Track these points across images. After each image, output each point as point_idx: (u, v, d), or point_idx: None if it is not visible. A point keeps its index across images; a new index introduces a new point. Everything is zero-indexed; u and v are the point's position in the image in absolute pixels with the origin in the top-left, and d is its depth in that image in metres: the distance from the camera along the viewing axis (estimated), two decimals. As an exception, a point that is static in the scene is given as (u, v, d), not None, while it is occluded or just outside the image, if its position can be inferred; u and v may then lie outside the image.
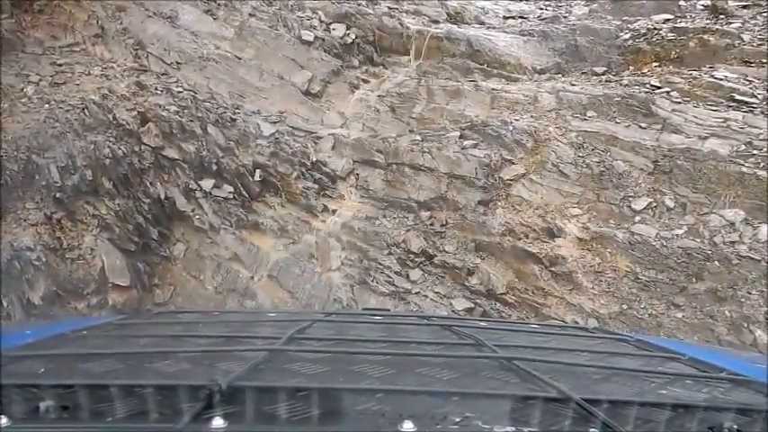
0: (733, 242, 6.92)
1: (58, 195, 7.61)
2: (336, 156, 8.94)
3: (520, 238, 7.70)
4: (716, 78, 8.55)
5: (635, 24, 10.52)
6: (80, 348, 1.36)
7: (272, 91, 9.50)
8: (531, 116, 8.65)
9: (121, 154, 8.13)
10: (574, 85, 9.14)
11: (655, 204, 7.56)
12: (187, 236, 8.44)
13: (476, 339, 1.46)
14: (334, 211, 8.68)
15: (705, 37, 9.49)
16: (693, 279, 6.89)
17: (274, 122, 9.11)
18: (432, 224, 8.26)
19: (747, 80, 8.53)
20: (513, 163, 8.29)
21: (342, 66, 9.96)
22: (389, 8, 11.11)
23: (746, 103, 8.05)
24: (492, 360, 1.30)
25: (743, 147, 7.53)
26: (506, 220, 7.87)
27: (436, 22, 11.14)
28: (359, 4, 10.83)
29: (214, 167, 8.57)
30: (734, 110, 8.00)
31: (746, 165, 7.35)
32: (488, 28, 11.25)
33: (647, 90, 8.57)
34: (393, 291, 7.86)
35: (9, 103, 8.16)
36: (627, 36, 10.25)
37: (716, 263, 6.83)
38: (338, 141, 9.01)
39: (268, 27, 10.00)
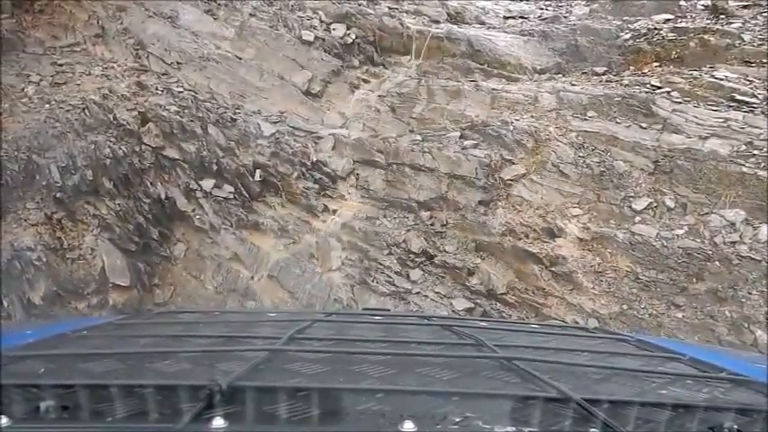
0: (733, 242, 6.92)
1: (58, 195, 7.61)
2: (337, 156, 8.94)
3: (520, 239, 7.70)
4: (716, 78, 8.55)
5: (635, 24, 10.51)
6: (80, 348, 1.36)
7: (272, 91, 9.50)
8: (532, 116, 8.65)
9: (122, 154, 8.13)
10: (574, 85, 9.14)
11: (655, 204, 7.56)
12: (187, 236, 8.44)
13: (476, 339, 1.46)
14: (334, 211, 8.68)
15: (705, 37, 9.49)
16: (694, 279, 6.88)
17: (275, 122, 9.11)
18: (432, 224, 8.26)
19: (748, 80, 8.53)
20: (514, 163, 8.29)
21: (342, 66, 9.96)
22: (390, 8, 11.11)
23: (747, 103, 8.05)
24: (492, 360, 1.30)
25: (743, 147, 7.53)
26: (507, 221, 7.87)
27: (437, 22, 11.14)
28: (359, 4, 10.83)
29: (214, 167, 8.57)
30: (734, 110, 8.00)
31: (747, 165, 7.35)
32: (489, 28, 11.25)
33: (647, 90, 8.57)
34: (393, 291, 7.86)
35: (10, 102, 8.17)
36: (627, 36, 10.25)
37: (716, 263, 6.83)
38: (338, 141, 9.01)
39: (268, 27, 10.00)
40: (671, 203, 7.51)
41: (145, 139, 8.39)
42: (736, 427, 0.95)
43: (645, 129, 8.12)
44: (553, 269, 7.42)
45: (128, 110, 8.45)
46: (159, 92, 8.88)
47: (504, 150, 8.36)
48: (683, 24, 10.07)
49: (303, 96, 9.52)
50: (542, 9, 12.52)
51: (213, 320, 2.00)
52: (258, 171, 8.69)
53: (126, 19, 9.75)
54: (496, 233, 7.83)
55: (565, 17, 11.64)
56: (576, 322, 6.75)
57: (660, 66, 9.39)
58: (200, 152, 8.52)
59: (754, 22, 9.80)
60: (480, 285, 7.68)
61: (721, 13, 10.12)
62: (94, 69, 9.09)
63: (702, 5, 10.76)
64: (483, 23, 11.69)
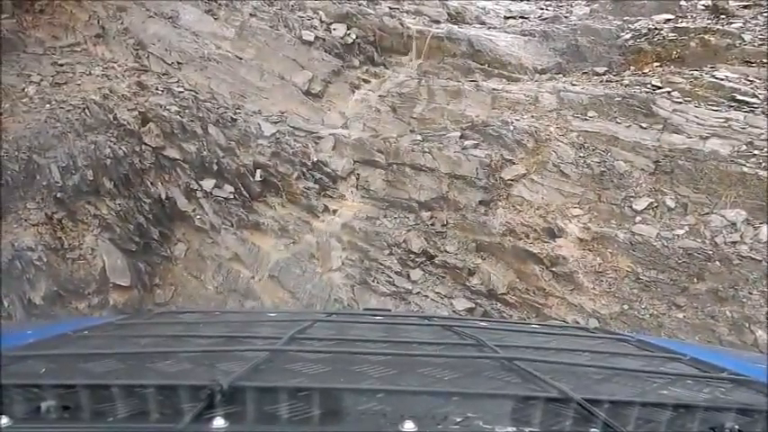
0: (734, 242, 6.92)
1: (58, 195, 7.62)
2: (337, 156, 8.94)
3: (521, 239, 7.70)
4: (717, 78, 8.54)
5: (636, 24, 10.51)
6: (81, 348, 1.36)
7: (272, 91, 9.50)
8: (532, 116, 8.65)
9: (122, 154, 8.13)
10: (575, 85, 9.14)
11: (656, 204, 7.55)
12: (188, 236, 8.44)
13: (477, 339, 1.46)
14: (334, 212, 8.68)
15: (706, 37, 9.49)
16: (694, 279, 6.88)
17: (275, 122, 9.11)
18: (432, 224, 8.26)
19: (748, 80, 8.53)
20: (514, 163, 8.28)
21: (342, 66, 9.96)
22: (390, 8, 11.11)
23: (747, 103, 8.05)
24: (493, 360, 1.30)
25: (744, 147, 7.53)
26: (507, 221, 7.86)
27: (437, 22, 11.14)
28: (360, 5, 10.83)
29: (215, 167, 8.57)
30: (735, 110, 8.00)
31: (748, 165, 7.34)
32: (489, 28, 11.25)
33: (648, 90, 8.57)
34: (394, 291, 7.86)
35: (10, 103, 8.17)
36: (628, 36, 10.25)
37: (717, 263, 6.83)
38: (339, 141, 9.02)
39: (269, 27, 10.00)
40: (671, 203, 7.50)
41: (145, 139, 8.39)
42: (736, 427, 0.95)
43: (645, 129, 8.11)
44: (554, 269, 7.42)
45: (128, 110, 8.46)
46: (160, 92, 8.89)
47: (505, 150, 8.36)
48: (684, 24, 10.07)
49: (303, 96, 9.52)
50: (543, 9, 12.52)
51: (214, 320, 2.00)
52: (258, 171, 8.70)
53: (126, 19, 9.75)
54: (497, 233, 7.83)
55: (565, 17, 11.64)
56: (577, 322, 6.75)
57: (661, 66, 9.39)
58: (200, 152, 8.52)
59: (754, 22, 9.80)
60: (481, 285, 7.68)
61: (722, 13, 10.12)
62: (95, 69, 9.09)
63: (703, 5, 10.75)
64: (483, 23, 11.69)
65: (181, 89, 9.06)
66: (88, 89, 8.61)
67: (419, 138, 8.83)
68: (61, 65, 9.01)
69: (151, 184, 8.29)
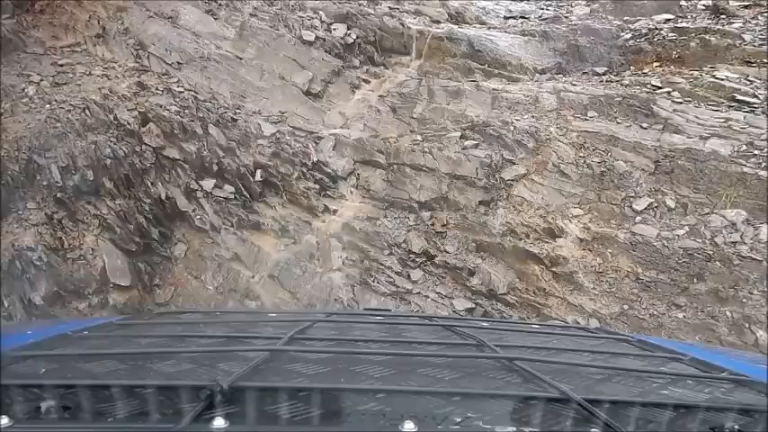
0: (734, 242, 6.92)
1: (59, 195, 7.62)
2: (337, 156, 8.94)
3: (521, 239, 7.70)
4: (717, 78, 8.54)
5: (636, 24, 10.52)
6: (81, 349, 1.36)
7: (273, 91, 9.50)
8: (533, 116, 8.65)
9: (122, 154, 8.13)
10: (575, 85, 9.14)
11: (656, 205, 7.55)
12: (188, 236, 8.44)
13: (477, 340, 1.46)
14: (335, 212, 8.68)
15: (706, 37, 9.49)
16: (695, 279, 6.88)
17: (275, 122, 9.11)
18: (433, 224, 8.26)
19: (748, 80, 8.53)
20: (514, 163, 8.28)
21: (343, 66, 9.96)
22: (390, 8, 11.11)
23: (748, 103, 8.05)
24: (493, 360, 1.30)
25: (744, 147, 7.53)
26: (507, 221, 7.86)
27: (437, 22, 11.15)
28: (360, 5, 10.84)
29: (215, 167, 8.57)
30: (735, 110, 8.00)
31: (748, 165, 7.34)
32: (489, 28, 11.25)
33: (648, 90, 8.57)
34: (394, 291, 7.86)
35: (10, 103, 8.17)
36: (628, 36, 10.25)
37: (717, 263, 6.82)
38: (339, 141, 9.02)
39: (269, 27, 10.00)
40: (672, 204, 7.50)
41: (145, 140, 8.39)
42: (737, 427, 0.95)
43: (645, 129, 8.11)
44: (554, 269, 7.42)
45: (128, 110, 8.45)
46: (160, 92, 8.89)
47: (505, 150, 8.36)
48: (684, 24, 10.07)
49: (304, 96, 9.52)
50: (543, 9, 12.53)
51: (214, 321, 2.00)
52: (259, 171, 8.70)
53: (127, 19, 9.75)
54: (497, 233, 7.83)
55: (565, 17, 11.65)
56: (577, 322, 6.75)
57: (661, 66, 9.39)
58: (200, 152, 8.52)
59: (754, 22, 9.80)
60: (481, 285, 7.68)
61: (722, 14, 10.13)
62: (95, 69, 9.09)
63: (703, 5, 10.76)
64: (484, 23, 11.70)
65: (181, 89, 9.06)
66: (88, 89, 8.61)
67: (419, 138, 8.83)
68: (61, 65, 9.01)
69: (151, 184, 8.29)
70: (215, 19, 10.02)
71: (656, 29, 10.12)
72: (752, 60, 8.96)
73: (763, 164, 7.29)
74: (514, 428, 0.94)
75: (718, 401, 1.12)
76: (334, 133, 9.14)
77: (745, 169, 7.31)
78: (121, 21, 9.72)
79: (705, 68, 8.88)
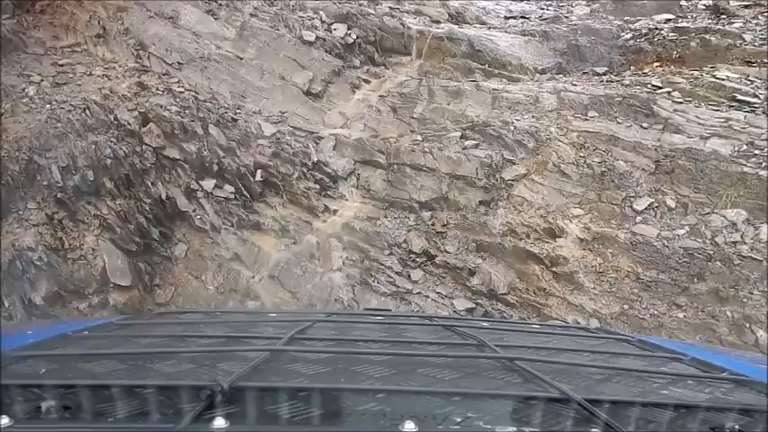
0: (735, 242, 6.92)
1: (59, 196, 7.62)
2: (338, 156, 8.94)
3: (521, 239, 7.70)
4: (717, 78, 8.54)
5: (636, 24, 10.51)
6: (81, 348, 1.36)
7: (273, 91, 9.50)
8: (533, 116, 8.64)
9: (123, 154, 8.13)
10: (575, 85, 9.14)
11: (656, 204, 7.55)
12: (188, 236, 8.44)
13: (477, 339, 1.46)
14: (335, 212, 8.68)
15: (707, 37, 9.49)
16: (695, 279, 6.88)
17: (276, 123, 9.11)
18: (433, 224, 8.26)
19: (749, 80, 8.52)
20: (515, 163, 8.28)
21: (343, 66, 9.96)
22: (391, 8, 11.11)
23: (748, 103, 8.05)
24: (494, 360, 1.30)
25: (745, 147, 7.52)
26: (508, 221, 7.86)
27: (437, 22, 11.14)
28: (360, 5, 10.84)
29: (215, 168, 8.57)
30: (735, 110, 8.00)
31: (748, 165, 7.34)
32: (490, 28, 11.25)
33: (648, 90, 8.57)
34: (394, 291, 7.86)
35: (11, 103, 8.17)
36: (628, 36, 10.25)
37: (718, 263, 6.82)
38: (339, 142, 9.02)
39: (269, 27, 10.00)
40: (672, 203, 7.50)
41: (146, 140, 8.39)
42: (737, 427, 0.95)
43: (646, 129, 8.11)
44: (554, 269, 7.42)
45: (129, 110, 8.46)
46: (160, 92, 8.89)
47: (505, 150, 8.36)
48: (684, 24, 10.07)
49: (304, 96, 9.52)
50: (543, 9, 12.53)
51: (214, 321, 2.00)
52: (259, 171, 8.70)
53: (127, 19, 9.75)
54: (497, 233, 7.83)
55: (566, 17, 11.65)
56: (578, 322, 6.75)
57: (661, 66, 9.39)
58: (200, 152, 8.52)
59: (755, 21, 9.80)
60: (481, 285, 7.68)
61: (722, 13, 10.13)
62: (95, 70, 9.09)
63: (703, 5, 10.76)
64: (484, 23, 11.69)
65: (181, 89, 9.06)
66: (89, 89, 8.61)
67: (419, 138, 8.83)
68: (62, 65, 9.01)
69: (151, 184, 8.29)
70: (215, 19, 10.02)
71: (657, 29, 10.12)
72: (752, 60, 8.95)
73: (764, 164, 7.29)
74: (515, 428, 0.94)
75: (718, 401, 1.12)
76: (334, 133, 9.13)
77: (746, 169, 7.31)
78: (122, 21, 9.72)
79: (705, 68, 8.88)
